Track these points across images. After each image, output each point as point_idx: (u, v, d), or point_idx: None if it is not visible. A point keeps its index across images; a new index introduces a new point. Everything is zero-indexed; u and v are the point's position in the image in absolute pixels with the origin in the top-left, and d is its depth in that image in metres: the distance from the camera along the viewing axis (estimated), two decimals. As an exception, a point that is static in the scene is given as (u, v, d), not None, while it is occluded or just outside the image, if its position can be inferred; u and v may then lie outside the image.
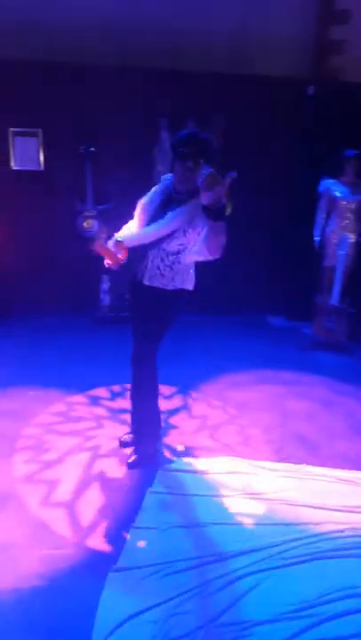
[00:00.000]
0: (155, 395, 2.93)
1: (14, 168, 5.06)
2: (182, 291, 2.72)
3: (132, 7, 4.95)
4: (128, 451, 3.01)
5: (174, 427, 3.38)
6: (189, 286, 2.74)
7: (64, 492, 2.66)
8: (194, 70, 5.06)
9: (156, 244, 2.62)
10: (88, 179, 4.96)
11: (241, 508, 2.58)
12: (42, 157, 5.07)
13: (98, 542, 2.31)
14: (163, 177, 2.82)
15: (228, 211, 2.42)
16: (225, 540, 2.34)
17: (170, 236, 2.59)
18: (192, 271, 2.73)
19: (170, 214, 2.57)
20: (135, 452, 2.98)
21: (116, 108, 5.04)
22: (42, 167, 5.10)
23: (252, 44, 5.29)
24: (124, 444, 3.10)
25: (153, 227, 2.61)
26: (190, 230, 2.56)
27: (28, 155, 5.05)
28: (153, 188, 2.76)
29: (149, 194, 2.73)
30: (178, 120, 5.06)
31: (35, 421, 3.33)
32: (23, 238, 5.12)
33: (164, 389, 3.42)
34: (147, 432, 2.99)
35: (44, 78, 4.88)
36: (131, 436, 3.10)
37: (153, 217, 2.66)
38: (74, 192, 5.05)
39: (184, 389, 3.88)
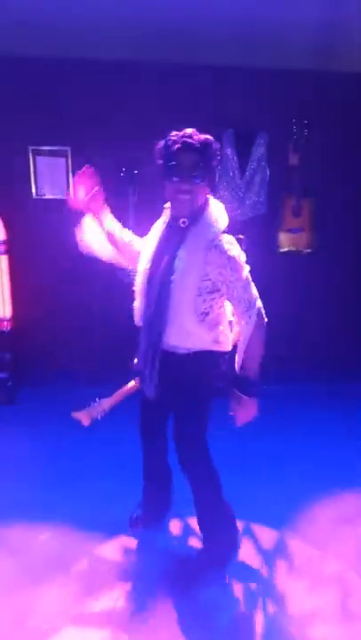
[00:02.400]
0: (219, 489, 2.17)
1: (35, 197, 3.94)
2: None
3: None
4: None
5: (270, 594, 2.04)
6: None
7: None
8: (267, 67, 3.86)
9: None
10: (131, 210, 3.79)
11: None
12: (71, 183, 3.92)
13: None
14: (166, 206, 2.10)
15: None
16: None
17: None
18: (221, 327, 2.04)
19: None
20: (207, 553, 2.26)
21: (166, 120, 3.86)
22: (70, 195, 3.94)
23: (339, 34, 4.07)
24: (134, 523, 2.48)
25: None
26: (205, 279, 1.90)
27: (53, 180, 3.92)
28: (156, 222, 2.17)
29: (152, 230, 2.15)
30: (247, 131, 3.88)
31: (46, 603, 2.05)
32: (47, 287, 3.96)
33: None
34: (221, 533, 2.24)
35: (72, 82, 3.76)
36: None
37: (153, 261, 2.02)
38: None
39: (262, 523, 2.57)
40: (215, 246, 1.87)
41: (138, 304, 2.07)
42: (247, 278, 1.90)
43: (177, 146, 1.82)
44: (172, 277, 1.88)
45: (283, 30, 3.57)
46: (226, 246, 1.87)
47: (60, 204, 3.95)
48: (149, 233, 2.12)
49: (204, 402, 2.05)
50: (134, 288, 2.08)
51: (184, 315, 1.91)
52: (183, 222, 1.91)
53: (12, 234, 3.76)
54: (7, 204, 3.78)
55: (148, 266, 1.99)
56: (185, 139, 1.83)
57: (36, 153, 3.86)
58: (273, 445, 3.35)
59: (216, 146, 1.90)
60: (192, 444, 2.10)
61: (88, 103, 3.79)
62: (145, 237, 2.14)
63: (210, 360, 2.00)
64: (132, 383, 2.38)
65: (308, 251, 4.09)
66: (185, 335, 1.94)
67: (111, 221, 2.22)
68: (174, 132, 1.88)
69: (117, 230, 2.22)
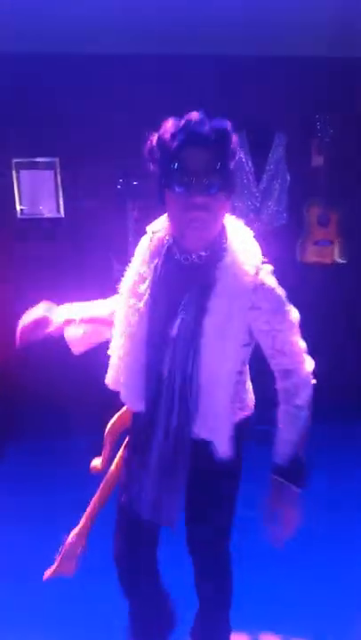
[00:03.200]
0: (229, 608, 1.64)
1: (20, 216, 3.41)
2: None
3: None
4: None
5: None
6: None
7: None
8: (283, 56, 3.33)
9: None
10: (130, 227, 3.25)
11: None
12: (61, 199, 3.40)
13: None
14: (149, 229, 1.41)
15: None
16: None
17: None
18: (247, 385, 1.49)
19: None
20: None
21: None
22: (61, 213, 3.42)
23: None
24: None
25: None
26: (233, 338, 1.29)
27: (39, 196, 3.39)
28: (137, 254, 1.42)
29: (132, 267, 1.41)
30: (262, 131, 3.34)
31: None
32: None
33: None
34: None
35: (60, 80, 3.23)
36: None
37: (154, 319, 1.32)
38: (108, 248, 3.34)
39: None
40: (261, 286, 1.27)
41: (127, 381, 1.40)
42: (297, 324, 1.35)
43: (180, 139, 1.19)
44: (202, 341, 1.26)
45: (300, 14, 3.04)
46: (272, 283, 1.30)
47: (50, 225, 3.44)
48: (130, 272, 1.40)
49: (230, 496, 1.48)
50: (114, 352, 1.43)
51: (220, 394, 1.31)
52: (200, 256, 1.28)
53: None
54: None
55: (145, 325, 1.33)
56: (192, 128, 1.19)
57: (20, 166, 3.33)
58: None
59: (236, 137, 1.26)
60: (213, 554, 1.55)
61: (79, 105, 3.25)
62: (123, 283, 1.42)
63: (236, 436, 1.37)
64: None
65: (340, 262, 3.53)
66: (218, 421, 1.32)
67: (78, 313, 1.59)
68: (171, 120, 1.24)
69: (90, 313, 1.59)
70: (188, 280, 1.29)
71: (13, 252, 3.40)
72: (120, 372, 1.40)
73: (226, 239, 1.30)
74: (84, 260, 3.42)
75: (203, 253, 1.27)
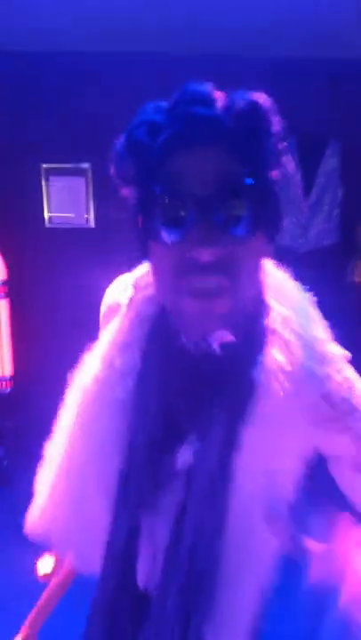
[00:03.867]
0: None
1: (48, 225, 3.19)
2: None
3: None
4: None
5: None
6: None
7: None
8: (340, 55, 2.99)
9: None
10: None
11: None
12: (92, 208, 3.16)
13: None
14: (131, 280, 0.83)
15: None
16: None
17: None
18: None
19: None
20: None
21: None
22: (92, 223, 3.19)
23: None
24: None
25: None
26: None
27: (69, 204, 3.17)
28: (108, 323, 0.83)
29: (98, 347, 0.81)
30: (314, 139, 3.00)
31: None
32: (60, 339, 3.19)
33: None
34: None
35: (92, 80, 3.01)
36: None
37: (138, 445, 0.73)
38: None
39: None
40: (331, 394, 0.73)
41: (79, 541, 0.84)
42: None
43: (168, 134, 0.65)
44: (231, 491, 0.71)
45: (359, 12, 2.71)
46: (350, 387, 0.75)
47: (79, 235, 3.21)
48: (95, 356, 0.81)
49: None
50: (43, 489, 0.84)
51: (252, 588, 0.75)
52: (223, 345, 0.70)
53: (18, 272, 3.01)
54: (13, 234, 3.04)
55: (119, 454, 0.76)
56: (191, 109, 0.65)
57: (50, 172, 3.12)
58: None
59: (280, 122, 0.69)
60: None
61: (113, 107, 3.01)
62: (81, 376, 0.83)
63: None
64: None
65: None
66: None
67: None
68: (152, 104, 0.71)
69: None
70: (204, 382, 0.71)
71: (40, 263, 3.18)
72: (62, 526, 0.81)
73: (267, 310, 0.74)
74: (112, 274, 3.16)
75: (231, 338, 0.69)
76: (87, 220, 3.18)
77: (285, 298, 0.76)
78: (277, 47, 2.88)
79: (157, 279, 0.71)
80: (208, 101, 0.64)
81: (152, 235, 0.66)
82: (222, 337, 0.68)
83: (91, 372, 0.78)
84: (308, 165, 3.09)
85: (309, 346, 0.72)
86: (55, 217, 3.17)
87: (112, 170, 0.72)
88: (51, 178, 3.12)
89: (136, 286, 0.80)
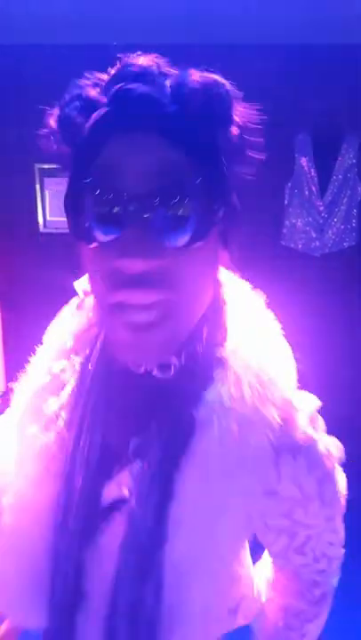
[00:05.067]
0: None
1: (43, 230, 2.98)
2: None
3: None
4: None
5: None
6: None
7: None
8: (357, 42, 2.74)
9: None
10: None
11: None
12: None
13: None
14: (78, 287, 0.73)
15: None
16: None
17: None
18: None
19: None
20: None
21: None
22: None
23: None
24: None
25: None
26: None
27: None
28: (51, 333, 0.73)
29: (40, 359, 0.71)
30: (330, 134, 2.76)
31: None
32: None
33: None
34: None
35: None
36: None
37: (75, 469, 0.62)
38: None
39: None
40: (292, 451, 0.61)
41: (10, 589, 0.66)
42: (341, 518, 0.71)
43: (101, 116, 0.54)
44: (169, 530, 0.59)
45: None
46: (317, 443, 0.63)
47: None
48: (36, 369, 0.70)
49: None
50: None
51: (199, 624, 0.63)
52: (166, 367, 0.61)
53: (10, 280, 2.81)
54: (4, 239, 2.85)
55: (54, 478, 0.64)
56: (128, 89, 0.52)
57: (45, 173, 2.91)
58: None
59: (245, 111, 0.57)
60: None
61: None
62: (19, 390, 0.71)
63: None
64: None
65: None
66: None
67: None
68: (85, 78, 0.59)
69: None
70: (144, 403, 0.62)
71: (33, 271, 2.97)
72: None
73: (221, 333, 0.63)
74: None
75: (173, 362, 0.60)
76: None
77: (244, 319, 0.65)
78: (288, 35, 2.65)
79: (90, 288, 0.60)
80: (152, 78, 0.53)
81: (80, 233, 0.55)
82: (164, 360, 0.60)
83: (28, 377, 0.70)
84: (324, 162, 2.85)
85: (264, 385, 0.61)
86: (50, 221, 2.96)
87: (46, 149, 0.60)
88: (45, 179, 2.91)
89: (85, 291, 0.71)
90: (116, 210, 0.52)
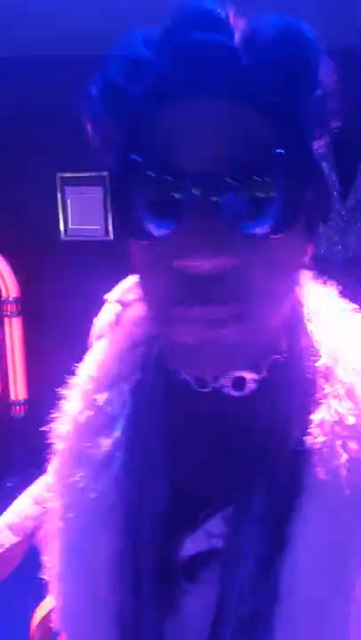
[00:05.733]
0: None
1: (64, 238, 3.00)
2: None
3: None
4: None
5: None
6: None
7: None
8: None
9: None
10: None
11: None
12: (111, 219, 2.96)
13: None
14: (112, 298, 0.68)
15: None
16: None
17: None
18: None
19: None
20: None
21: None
22: (110, 235, 2.97)
23: None
24: None
25: None
26: None
27: (87, 215, 2.97)
28: (89, 367, 0.62)
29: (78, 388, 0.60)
30: (352, 137, 2.73)
31: None
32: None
33: None
34: None
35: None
36: None
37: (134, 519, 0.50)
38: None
39: None
40: None
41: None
42: None
43: (166, 68, 0.43)
44: (282, 592, 0.47)
45: None
46: None
47: (98, 248, 3.01)
48: (75, 400, 0.60)
49: None
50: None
51: None
52: (242, 383, 0.50)
53: (32, 288, 2.83)
54: (26, 247, 2.87)
55: (108, 530, 0.53)
56: (195, 32, 0.41)
57: (66, 181, 2.94)
58: None
59: (330, 66, 0.49)
60: None
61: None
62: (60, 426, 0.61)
63: None
64: None
65: None
66: None
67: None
68: (140, 33, 0.46)
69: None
70: (223, 433, 0.52)
71: (55, 279, 2.99)
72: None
73: (308, 342, 0.53)
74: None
75: (254, 377, 0.50)
76: (106, 231, 2.97)
77: (332, 325, 0.54)
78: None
79: (140, 292, 0.52)
80: (220, 26, 0.41)
81: (130, 227, 0.46)
82: (239, 374, 0.49)
83: (69, 414, 0.59)
84: (346, 166, 2.81)
85: None
86: (72, 229, 2.98)
87: (87, 126, 0.50)
88: (66, 187, 2.93)
89: (123, 302, 0.63)
90: (176, 195, 0.42)
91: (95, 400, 0.56)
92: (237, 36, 0.43)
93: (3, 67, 2.82)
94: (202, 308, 0.42)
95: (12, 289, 2.69)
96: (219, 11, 0.43)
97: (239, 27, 0.43)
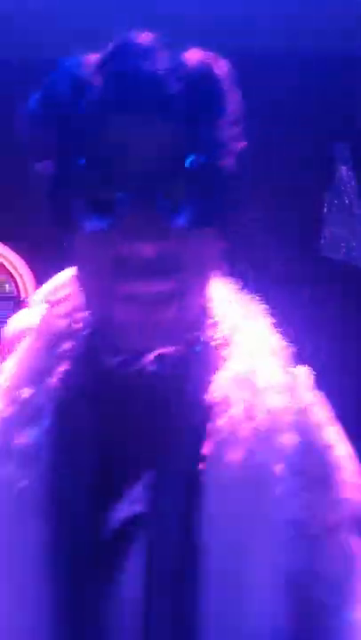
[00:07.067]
0: None
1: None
2: None
3: None
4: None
5: None
6: None
7: None
8: None
9: None
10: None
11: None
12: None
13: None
14: (37, 298, 0.67)
15: None
16: None
17: None
18: None
19: None
20: None
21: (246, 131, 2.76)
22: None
23: None
24: None
25: None
26: None
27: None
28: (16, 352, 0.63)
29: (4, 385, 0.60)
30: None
31: None
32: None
33: None
34: None
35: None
36: None
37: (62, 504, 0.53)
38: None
39: None
40: (311, 447, 0.58)
41: None
42: None
43: (97, 94, 0.52)
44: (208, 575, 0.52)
45: None
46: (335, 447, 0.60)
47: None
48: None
49: None
50: None
51: None
52: (159, 360, 0.55)
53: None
54: (45, 248, 2.90)
55: (34, 520, 0.55)
56: (131, 61, 0.51)
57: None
58: None
59: (238, 99, 0.56)
60: None
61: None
62: None
63: None
64: None
65: None
66: None
67: None
68: (74, 58, 0.55)
69: None
70: (144, 409, 0.57)
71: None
72: None
73: (214, 322, 0.61)
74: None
75: (162, 350, 0.54)
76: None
77: (232, 307, 0.63)
78: (328, 39, 2.64)
79: (79, 285, 0.58)
80: (150, 57, 0.51)
81: (70, 223, 0.53)
82: (156, 349, 0.53)
83: None
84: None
85: (279, 376, 0.59)
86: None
87: (23, 138, 0.56)
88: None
89: (48, 301, 0.64)
90: (116, 193, 0.49)
91: (19, 395, 0.58)
92: (162, 67, 0.51)
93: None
94: (145, 283, 0.50)
95: (30, 290, 2.74)
96: (150, 44, 0.52)
97: (165, 59, 0.52)
